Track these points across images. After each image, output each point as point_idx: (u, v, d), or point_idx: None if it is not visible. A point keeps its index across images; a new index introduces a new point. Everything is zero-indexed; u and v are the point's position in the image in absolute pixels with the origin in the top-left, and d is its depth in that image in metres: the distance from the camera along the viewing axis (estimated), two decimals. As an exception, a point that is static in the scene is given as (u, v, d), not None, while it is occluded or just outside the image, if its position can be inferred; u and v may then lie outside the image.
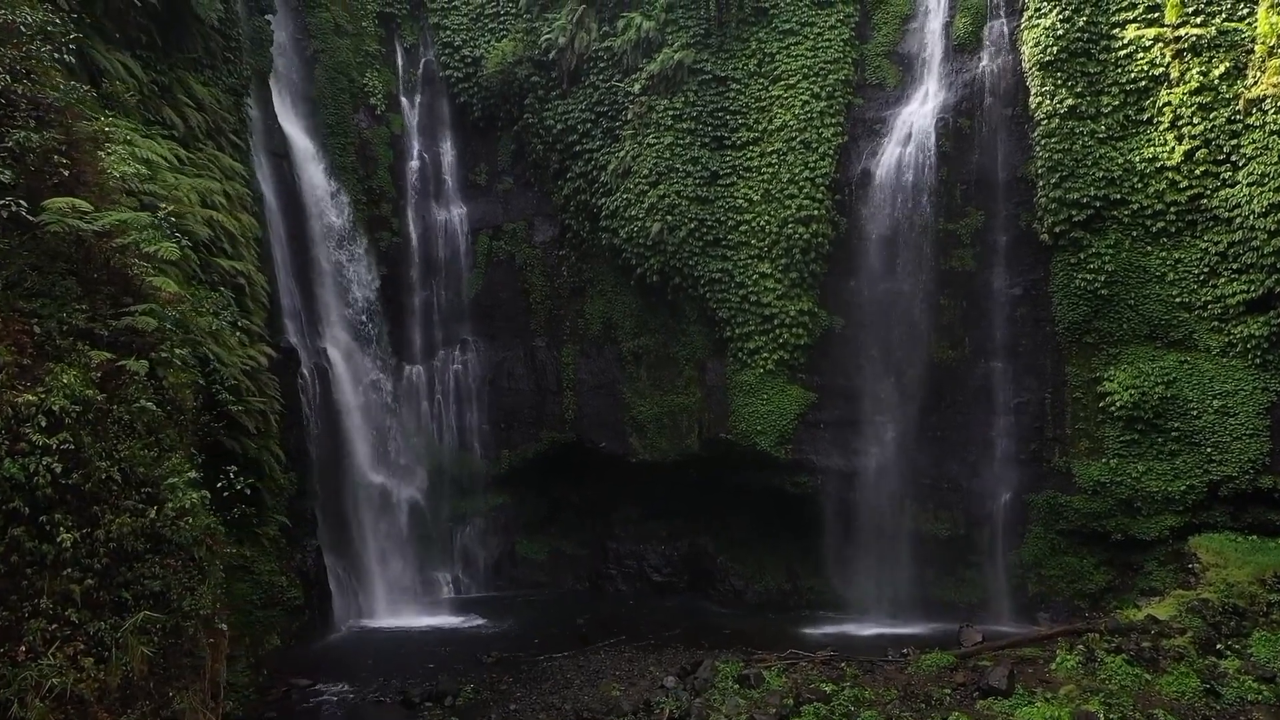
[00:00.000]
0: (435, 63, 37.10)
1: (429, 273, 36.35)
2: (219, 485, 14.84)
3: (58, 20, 14.45)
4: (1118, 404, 27.96)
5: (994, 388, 30.20)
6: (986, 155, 30.56)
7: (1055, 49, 28.90)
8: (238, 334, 23.36)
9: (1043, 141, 29.08)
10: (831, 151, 31.78)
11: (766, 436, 31.82)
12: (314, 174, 32.68)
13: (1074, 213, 28.64)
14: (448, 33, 36.84)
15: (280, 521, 25.99)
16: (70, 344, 11.25)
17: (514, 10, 36.36)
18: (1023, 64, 29.88)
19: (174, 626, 11.33)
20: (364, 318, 33.59)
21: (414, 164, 36.75)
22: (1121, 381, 28.06)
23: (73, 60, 14.32)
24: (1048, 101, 29.06)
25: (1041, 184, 29.12)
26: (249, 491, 15.16)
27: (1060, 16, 28.93)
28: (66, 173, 12.23)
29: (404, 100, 36.99)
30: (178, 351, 12.91)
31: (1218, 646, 21.07)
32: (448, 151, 37.34)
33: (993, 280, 30.32)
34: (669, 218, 32.59)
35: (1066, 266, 28.98)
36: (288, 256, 30.36)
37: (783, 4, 33.04)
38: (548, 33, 35.22)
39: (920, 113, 31.36)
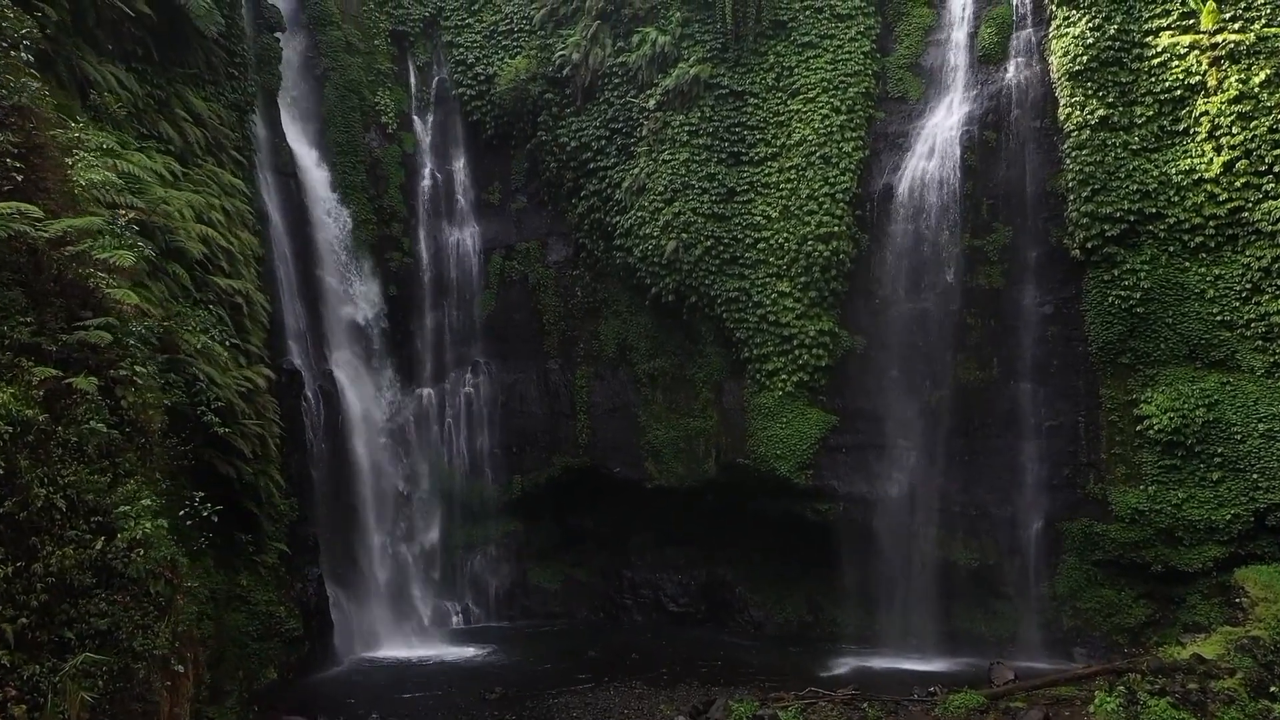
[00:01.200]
0: (448, 81, 36.53)
1: (440, 293, 35.58)
2: (205, 513, 13.96)
3: (10, 15, 13.65)
4: (1156, 428, 26.55)
5: (1024, 410, 28.88)
6: (1014, 169, 29.41)
7: (1085, 58, 27.80)
8: (233, 354, 22.68)
9: (1073, 154, 27.92)
10: (852, 166, 30.77)
11: (785, 461, 30.64)
12: (322, 193, 32.06)
13: (1107, 227, 27.39)
14: (461, 50, 36.29)
15: (279, 549, 25.15)
16: (10, 359, 10.37)
17: (528, 28, 35.78)
18: (1051, 74, 28.80)
19: (123, 669, 10.36)
20: (372, 339, 32.82)
21: (426, 183, 36.10)
22: (1160, 404, 26.67)
23: (31, 60, 13.58)
24: (1078, 112, 27.93)
25: (1072, 198, 27.93)
26: (215, 519, 14.20)
27: (1090, 25, 27.84)
28: (21, 178, 11.41)
29: (416, 119, 36.41)
30: (139, 369, 12.02)
31: (1271, 689, 19.57)
32: (460, 170, 36.67)
33: (1022, 298, 29.07)
34: (684, 235, 31.66)
35: (1100, 283, 27.71)
36: (293, 276, 29.67)
37: (801, 17, 32.21)
38: (561, 49, 34.56)
39: (944, 125, 30.30)
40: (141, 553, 10.65)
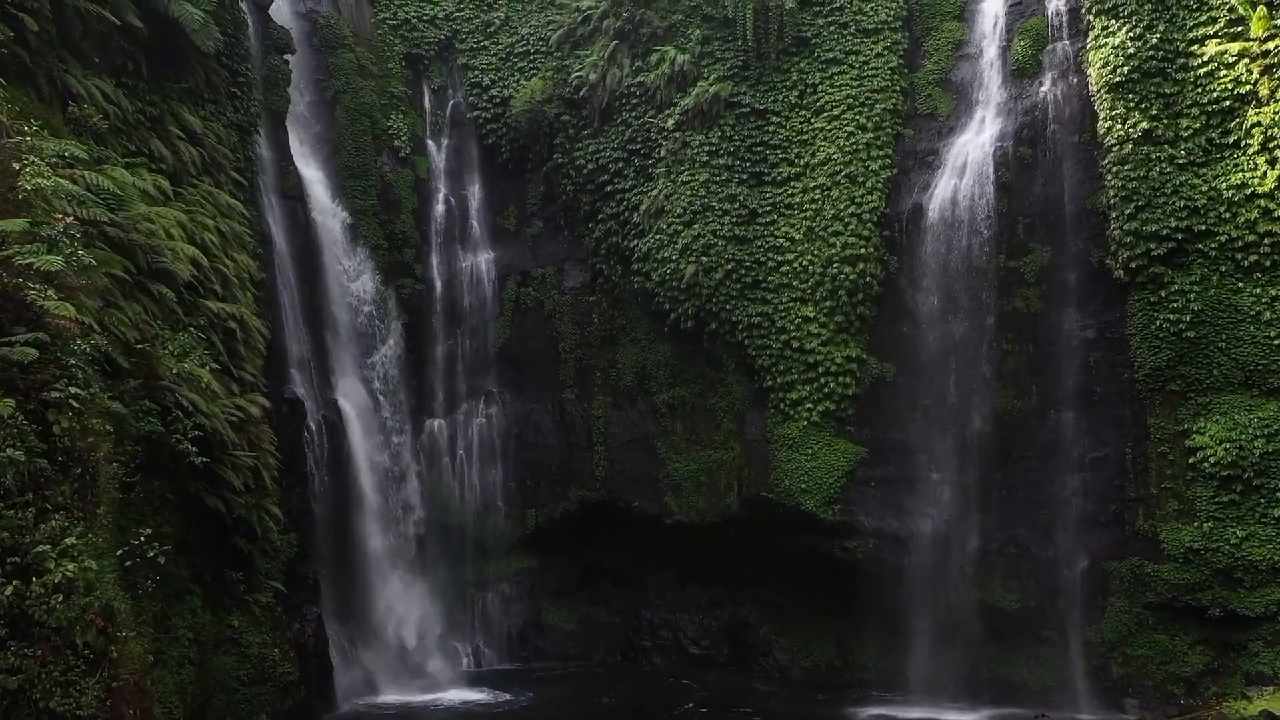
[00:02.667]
0: (463, 104, 35.68)
1: (453, 321, 34.48)
2: (152, 553, 12.68)
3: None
4: (1211, 460, 24.75)
5: (1067, 441, 27.20)
6: (1052, 186, 27.93)
7: (1126, 69, 26.37)
8: (224, 381, 21.58)
9: (1115, 169, 26.41)
10: (879, 185, 29.45)
11: (812, 496, 29.07)
12: (330, 218, 31.16)
13: (1153, 246, 25.77)
14: (476, 73, 35.45)
15: (274, 587, 23.85)
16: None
17: (544, 49, 34.93)
18: (1090, 87, 27.43)
19: (37, 733, 9.03)
20: (381, 368, 31.71)
21: (439, 208, 35.15)
22: (1214, 435, 24.86)
23: None
24: (1119, 126, 26.46)
25: (1115, 215, 26.39)
26: (162, 560, 12.91)
27: (1130, 34, 26.43)
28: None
29: (430, 143, 35.53)
30: (78, 391, 10.79)
31: (1350, 750, 17.67)
32: (475, 195, 35.70)
33: (1062, 322, 27.50)
34: (704, 259, 30.40)
35: (1146, 306, 26.05)
36: (297, 302, 28.68)
37: (825, 32, 31.11)
38: (578, 70, 33.62)
39: (976, 142, 28.95)
40: (62, 599, 9.35)
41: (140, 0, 21.16)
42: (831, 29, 31.04)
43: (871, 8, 30.89)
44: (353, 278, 31.37)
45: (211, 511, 21.12)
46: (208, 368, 20.55)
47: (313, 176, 31.36)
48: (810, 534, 29.89)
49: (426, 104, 35.81)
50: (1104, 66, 26.81)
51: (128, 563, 12.10)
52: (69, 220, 12.50)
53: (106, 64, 20.33)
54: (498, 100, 35.14)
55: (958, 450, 28.25)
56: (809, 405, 29.38)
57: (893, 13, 30.83)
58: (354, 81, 33.38)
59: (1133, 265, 26.09)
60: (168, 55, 22.79)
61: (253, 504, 22.39)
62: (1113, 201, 26.45)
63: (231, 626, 22.36)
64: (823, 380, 29.23)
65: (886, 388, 29.32)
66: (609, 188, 32.97)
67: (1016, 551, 27.82)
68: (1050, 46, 28.63)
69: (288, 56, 30.76)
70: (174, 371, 18.14)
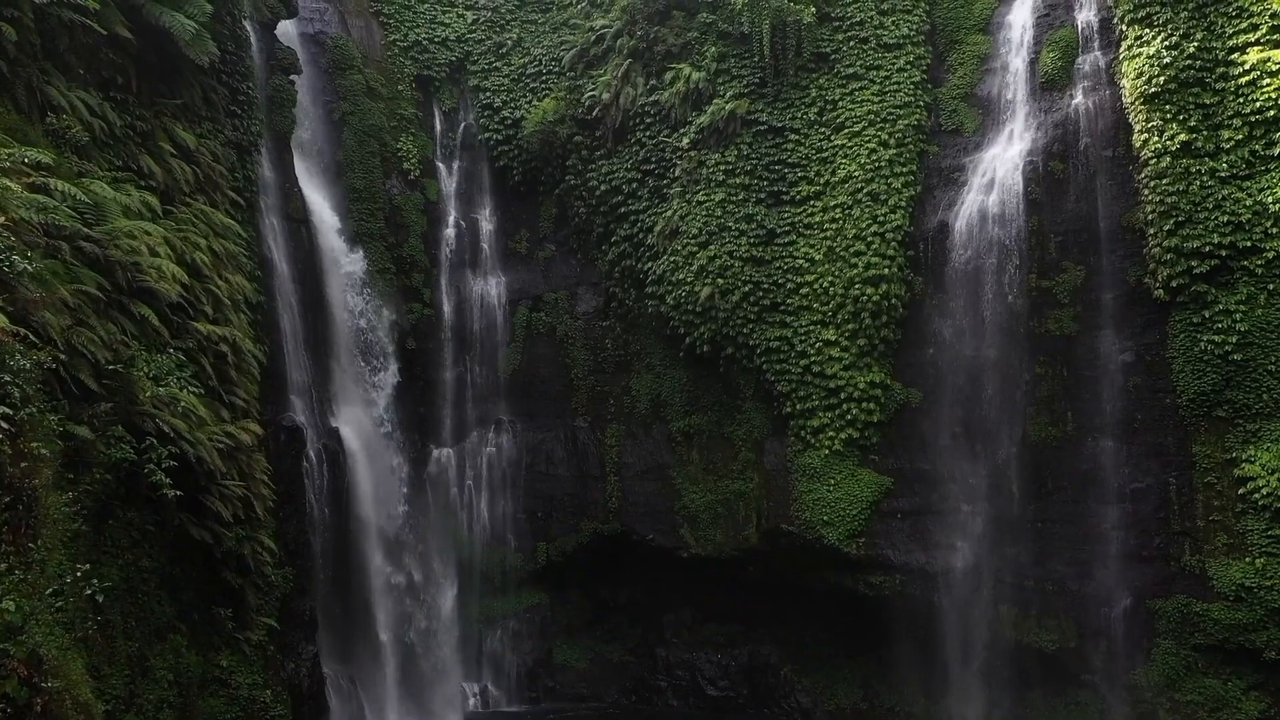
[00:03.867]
0: (474, 126, 34.91)
1: (462, 347, 33.48)
2: (89, 590, 11.52)
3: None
4: (1263, 491, 23.21)
5: (1105, 471, 25.76)
6: (1084, 202, 26.67)
7: (1162, 79, 25.12)
8: (213, 407, 20.57)
9: (1152, 184, 25.10)
10: (903, 203, 28.29)
11: (834, 528, 27.69)
12: (335, 241, 30.27)
13: (1194, 264, 24.37)
14: (487, 94, 34.70)
15: (267, 624, 22.64)
16: None
17: (556, 69, 34.18)
18: (1124, 98, 26.21)
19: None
20: (386, 396, 30.63)
21: (449, 231, 34.26)
22: (1265, 464, 23.33)
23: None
24: (1156, 138, 25.16)
25: (1153, 232, 25.04)
26: (101, 598, 11.75)
27: (1166, 43, 25.19)
28: None
29: (440, 165, 34.73)
30: (6, 410, 9.70)
31: None
32: (486, 218, 34.81)
33: (1098, 345, 26.14)
34: (720, 281, 29.27)
35: (1188, 327, 24.61)
36: (299, 327, 27.71)
37: (845, 48, 30.14)
38: (591, 90, 32.82)
39: (1004, 157, 27.78)
40: (-29, 645, 8.21)
41: (131, 11, 20.42)
42: (851, 44, 30.08)
43: (893, 22, 29.95)
44: (358, 303, 30.42)
45: (199, 544, 20.04)
46: (193, 392, 19.57)
47: (318, 199, 30.54)
48: (833, 569, 28.62)
49: (437, 126, 35.08)
50: (1138, 77, 25.57)
51: (59, 603, 10.92)
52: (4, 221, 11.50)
53: (94, 77, 19.55)
54: (509, 122, 34.35)
55: (989, 480, 26.91)
56: (831, 433, 28.10)
57: (915, 27, 29.87)
58: (362, 103, 32.68)
59: (1173, 284, 24.69)
60: (161, 70, 22.03)
61: (244, 536, 21.27)
62: (1150, 217, 25.12)
63: (220, 666, 21.13)
64: (845, 407, 27.96)
65: (912, 414, 28.03)
66: (622, 209, 32.00)
67: (1054, 588, 26.31)
68: (1081, 58, 27.50)
69: (293, 77, 30.04)
70: (153, 395, 17.11)
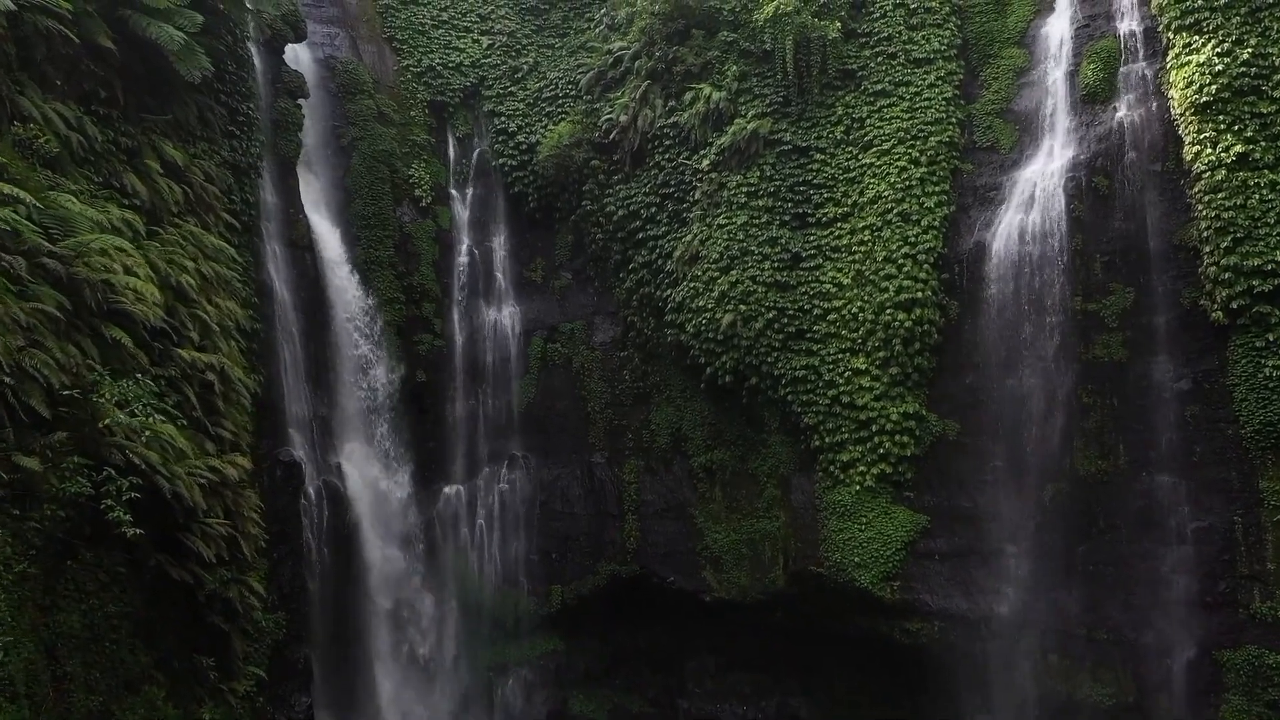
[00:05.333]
0: (489, 152, 33.85)
1: (474, 380, 32.12)
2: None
3: None
4: (1341, 530, 21.08)
5: (1163, 509, 23.77)
6: (1132, 220, 24.97)
7: (1214, 88, 23.51)
8: (195, 439, 19.24)
9: (1206, 199, 23.36)
10: (936, 223, 26.78)
11: (867, 570, 25.87)
12: (342, 269, 29.19)
13: (1256, 283, 22.55)
14: (502, 119, 33.67)
15: (255, 674, 21.13)
16: None
17: (573, 93, 33.17)
18: (1172, 109, 24.57)
19: None
20: (393, 430, 29.31)
21: (462, 259, 33.06)
22: (1342, 500, 21.22)
23: None
24: (1209, 151, 23.47)
25: (1208, 250, 23.26)
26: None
27: (1218, 50, 23.62)
28: None
29: (454, 192, 33.65)
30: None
31: None
32: (500, 246, 33.60)
33: (1151, 372, 24.27)
34: (742, 307, 27.76)
35: (1250, 351, 22.74)
36: (300, 358, 26.54)
37: (873, 64, 28.87)
38: (609, 113, 31.68)
39: (1044, 173, 26.20)
40: None
41: (117, 23, 19.48)
42: (879, 60, 28.79)
43: (922, 37, 28.63)
44: (364, 333, 29.21)
45: (179, 587, 18.61)
46: (178, 423, 18.32)
47: (325, 226, 29.52)
48: (866, 614, 26.79)
49: (451, 152, 34.06)
50: (1188, 87, 23.94)
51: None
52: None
53: (73, 89, 18.56)
54: (525, 147, 33.27)
55: (1035, 518, 24.97)
56: (862, 468, 26.36)
57: (945, 41, 28.52)
58: (372, 128, 31.72)
59: (1233, 305, 22.81)
60: (151, 85, 21.07)
61: (229, 578, 19.82)
62: (1205, 235, 23.34)
63: (201, 720, 19.63)
64: (877, 440, 26.23)
65: (950, 447, 26.24)
66: (640, 235, 30.68)
67: (1108, 637, 24.22)
68: (1124, 68, 25.97)
69: (300, 101, 29.21)
70: (125, 425, 15.79)
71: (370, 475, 28.04)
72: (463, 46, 34.35)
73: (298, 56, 30.35)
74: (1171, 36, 24.72)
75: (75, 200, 16.09)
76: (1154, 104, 25.22)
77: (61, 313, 14.83)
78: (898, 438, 26.17)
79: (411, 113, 33.25)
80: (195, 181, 21.77)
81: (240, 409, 21.21)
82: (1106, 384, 24.81)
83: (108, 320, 16.80)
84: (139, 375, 15.94)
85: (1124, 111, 25.59)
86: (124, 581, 17.24)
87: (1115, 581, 24.20)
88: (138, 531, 14.83)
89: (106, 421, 14.45)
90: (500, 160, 33.53)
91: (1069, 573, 24.62)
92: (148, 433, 15.38)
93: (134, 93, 20.42)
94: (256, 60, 27.07)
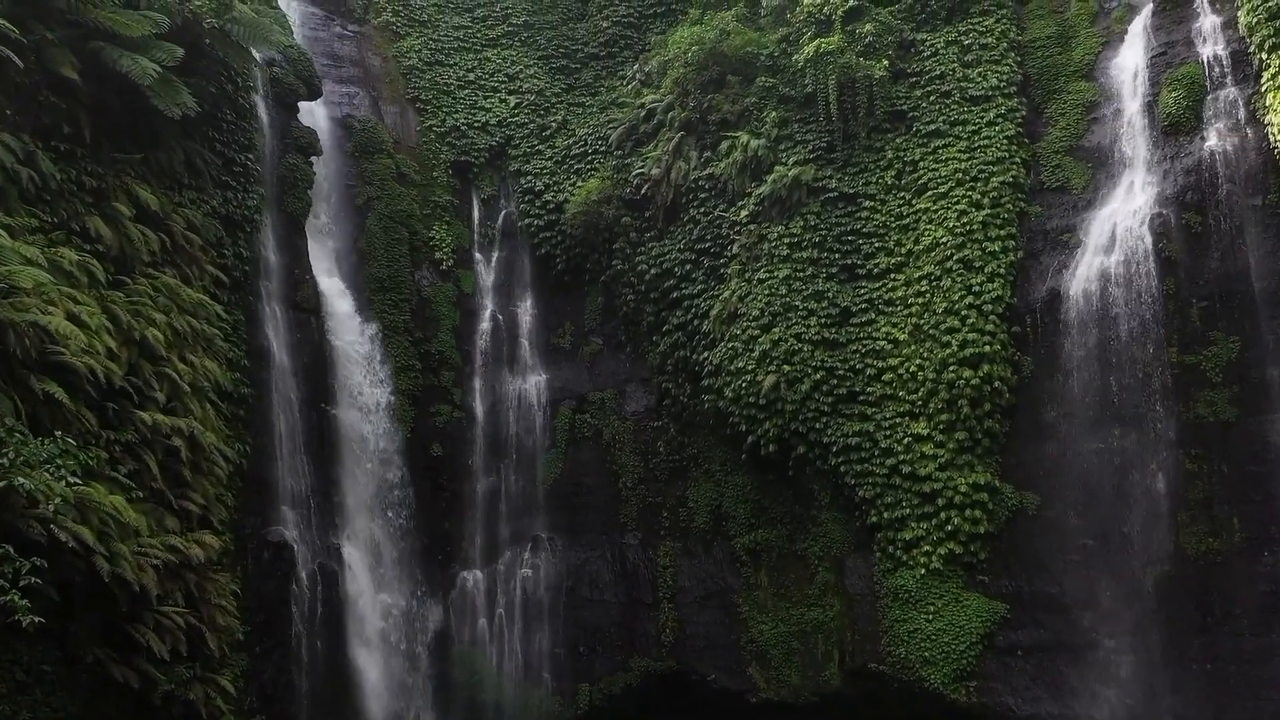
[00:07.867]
0: (515, 213, 31.86)
1: (496, 454, 29.49)
2: None
3: None
4: None
5: (1292, 594, 19.97)
6: (1231, 259, 21.97)
7: (1319, 109, 20.56)
8: (152, 514, 16.82)
9: (1318, 233, 20.25)
10: (1001, 270, 23.98)
11: (937, 668, 22.41)
12: (350, 335, 27.08)
13: (1387, 325, 19.21)
14: (529, 178, 31.75)
15: (222, 792, 18.21)
16: None
17: (603, 149, 31.21)
18: (1270, 137, 21.71)
19: None
20: (404, 509, 26.72)
21: (485, 325, 30.81)
22: None
23: None
24: (1317, 179, 20.43)
25: (1326, 290, 20.02)
26: None
27: (1320, 67, 20.77)
28: None
29: (479, 255, 31.62)
30: None
31: None
32: (526, 311, 31.33)
33: (1267, 433, 20.99)
34: (786, 368, 24.97)
35: (1388, 406, 19.25)
36: (299, 428, 24.22)
37: (924, 104, 26.63)
38: (640, 166, 29.63)
39: (1125, 212, 23.44)
40: None
41: (88, 55, 17.81)
42: (931, 99, 26.52)
43: (979, 74, 26.34)
44: (373, 403, 26.89)
45: (125, 688, 15.97)
46: (129, 493, 15.93)
47: (334, 289, 27.55)
48: (938, 719, 23.01)
49: (475, 214, 32.15)
50: (1288, 109, 21.10)
51: None
52: None
53: (28, 121, 16.76)
54: (552, 206, 31.23)
55: (1135, 606, 21.36)
56: (927, 547, 23.07)
57: (1004, 78, 26.19)
58: (390, 188, 29.97)
59: (1360, 352, 19.54)
60: (131, 126, 19.38)
61: (190, 678, 17.15)
62: (1321, 273, 20.20)
63: None
64: (944, 515, 22.97)
65: (1029, 523, 22.84)
66: (675, 294, 28.20)
67: (1234, 752, 20.27)
68: (1211, 95, 23.31)
69: (312, 159, 27.61)
70: (51, 493, 13.36)
71: (376, 559, 25.38)
72: (489, 106, 32.74)
73: (314, 114, 28.93)
74: (1265, 57, 22.07)
75: (4, 234, 14.02)
76: (1248, 132, 22.45)
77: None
78: (968, 512, 22.87)
79: (434, 173, 31.54)
80: (176, 230, 19.85)
81: (214, 480, 18.82)
82: (1212, 447, 21.40)
83: (41, 373, 14.57)
84: (58, 434, 13.52)
85: (1214, 141, 22.79)
86: (51, 681, 14.67)
87: (1240, 681, 20.32)
88: (36, 620, 12.20)
89: (54, 492, 11.99)
90: (527, 220, 31.48)
91: (1182, 671, 20.80)
92: (127, 512, 12.91)
93: (107, 132, 18.71)
94: (262, 113, 25.56)
